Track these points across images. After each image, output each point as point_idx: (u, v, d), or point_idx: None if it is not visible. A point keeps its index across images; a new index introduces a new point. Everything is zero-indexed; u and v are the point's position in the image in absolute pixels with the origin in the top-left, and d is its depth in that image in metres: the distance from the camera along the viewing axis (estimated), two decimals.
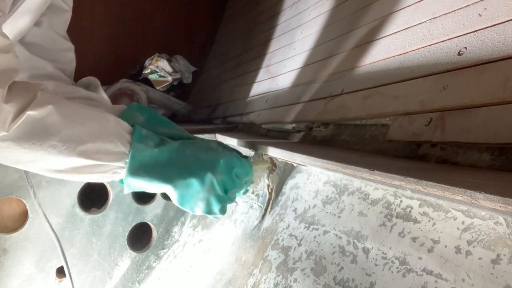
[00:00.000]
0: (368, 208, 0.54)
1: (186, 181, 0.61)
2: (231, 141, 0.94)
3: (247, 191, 0.72)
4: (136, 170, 0.59)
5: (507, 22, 0.49)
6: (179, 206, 0.63)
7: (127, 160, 0.58)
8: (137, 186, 0.60)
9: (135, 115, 0.69)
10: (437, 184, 0.36)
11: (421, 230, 0.45)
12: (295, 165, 0.66)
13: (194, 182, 0.61)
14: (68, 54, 0.75)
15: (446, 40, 0.57)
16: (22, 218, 0.98)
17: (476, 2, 0.55)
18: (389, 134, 0.59)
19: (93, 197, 1.14)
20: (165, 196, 1.15)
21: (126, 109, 0.69)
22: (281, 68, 1.12)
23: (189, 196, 0.62)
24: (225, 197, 0.64)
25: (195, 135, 0.71)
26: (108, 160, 0.56)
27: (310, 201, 0.66)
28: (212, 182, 0.62)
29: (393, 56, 0.67)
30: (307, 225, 0.63)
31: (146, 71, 1.73)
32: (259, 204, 0.85)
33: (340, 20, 0.93)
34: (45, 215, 0.79)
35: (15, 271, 0.97)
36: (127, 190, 0.61)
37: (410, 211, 0.48)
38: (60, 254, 0.80)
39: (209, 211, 0.64)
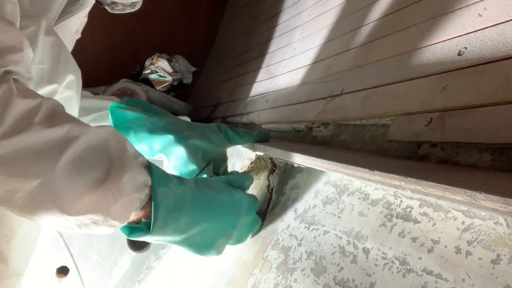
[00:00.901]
0: (368, 208, 0.54)
1: (210, 224, 0.56)
2: None
3: None
4: (165, 221, 0.49)
5: (507, 22, 0.48)
6: (196, 254, 0.57)
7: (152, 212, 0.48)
8: (162, 239, 0.52)
9: (130, 112, 0.67)
10: (437, 184, 0.36)
11: (421, 230, 0.45)
12: (295, 165, 0.66)
13: (217, 226, 0.56)
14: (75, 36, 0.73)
15: (446, 40, 0.57)
16: None
17: (476, 2, 0.55)
18: (389, 134, 0.59)
19: None
20: None
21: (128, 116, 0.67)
22: (281, 68, 1.12)
23: (210, 240, 0.57)
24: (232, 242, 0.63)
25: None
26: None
27: (310, 201, 0.66)
28: (237, 225, 0.60)
29: (393, 56, 0.67)
30: (307, 225, 0.63)
31: (146, 71, 1.72)
32: None
33: (340, 20, 0.93)
34: None
35: None
36: (148, 240, 0.51)
37: (410, 211, 0.48)
38: (66, 251, 0.80)
39: (209, 253, 0.59)
